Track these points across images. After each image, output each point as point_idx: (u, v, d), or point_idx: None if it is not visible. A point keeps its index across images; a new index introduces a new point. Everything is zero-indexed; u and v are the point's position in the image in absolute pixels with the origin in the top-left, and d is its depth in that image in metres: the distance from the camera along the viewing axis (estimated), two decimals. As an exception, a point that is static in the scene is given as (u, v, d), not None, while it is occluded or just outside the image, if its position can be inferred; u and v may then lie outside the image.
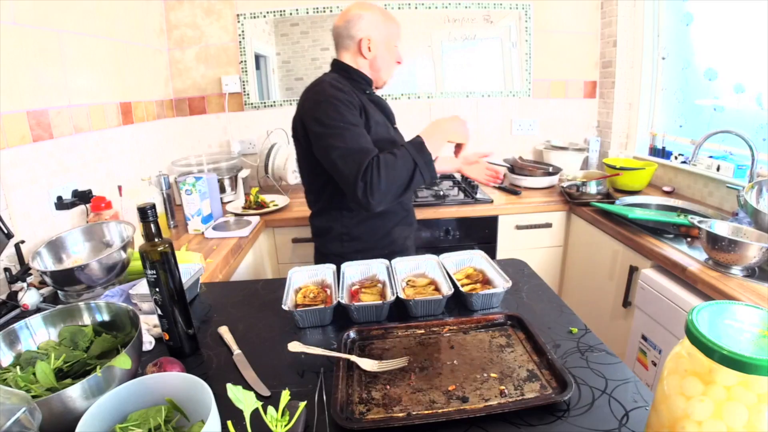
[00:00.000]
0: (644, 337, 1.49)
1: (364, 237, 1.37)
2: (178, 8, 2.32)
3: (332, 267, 1.09)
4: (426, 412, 0.67)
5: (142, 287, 1.03)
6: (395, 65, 1.40)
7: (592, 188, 2.00)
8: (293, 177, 2.18)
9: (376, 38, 1.31)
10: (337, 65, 1.37)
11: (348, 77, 1.34)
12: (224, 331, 0.93)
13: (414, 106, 2.50)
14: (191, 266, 1.13)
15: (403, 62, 1.44)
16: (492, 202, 2.03)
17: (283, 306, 0.93)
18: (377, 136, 1.26)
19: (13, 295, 1.08)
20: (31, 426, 0.52)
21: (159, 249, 0.80)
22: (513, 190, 2.17)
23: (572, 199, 2.00)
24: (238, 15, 2.34)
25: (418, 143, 1.17)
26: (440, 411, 0.67)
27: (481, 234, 2.04)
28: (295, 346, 0.81)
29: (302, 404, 0.64)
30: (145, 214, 0.79)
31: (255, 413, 0.58)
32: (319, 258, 1.45)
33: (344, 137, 1.15)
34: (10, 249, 1.12)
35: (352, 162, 1.12)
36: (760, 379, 0.45)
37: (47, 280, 1.09)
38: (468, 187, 2.18)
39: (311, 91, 1.26)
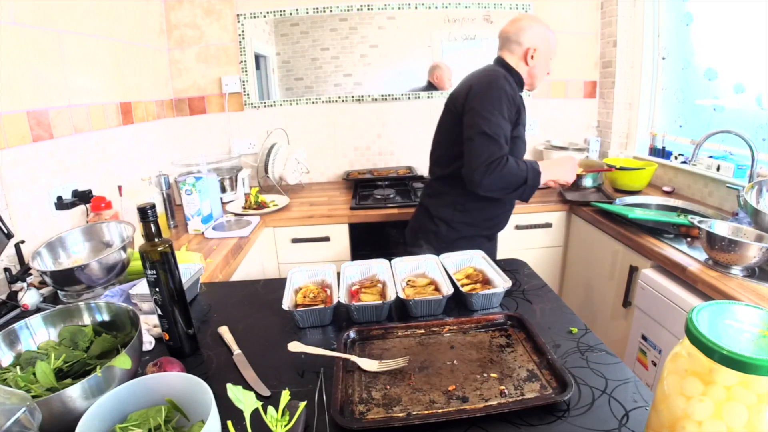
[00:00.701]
0: (644, 337, 1.49)
1: (473, 212, 1.53)
2: (178, 8, 2.32)
3: (332, 267, 1.09)
4: (426, 412, 0.67)
5: (142, 287, 1.03)
6: (546, 75, 1.56)
7: (588, 182, 2.06)
8: (293, 177, 2.18)
9: (541, 49, 1.48)
10: (503, 64, 1.50)
11: (510, 76, 1.46)
12: (224, 331, 0.93)
13: (414, 106, 2.50)
14: (191, 266, 1.14)
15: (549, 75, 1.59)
16: (492, 202, 2.03)
17: (283, 306, 0.93)
18: (520, 133, 1.46)
19: (13, 295, 1.08)
20: (31, 426, 0.52)
21: (159, 249, 0.80)
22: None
23: (570, 199, 2.00)
24: (238, 15, 2.34)
25: (537, 170, 1.39)
26: (440, 411, 0.67)
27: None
28: (295, 346, 0.81)
29: (302, 404, 0.64)
30: (145, 214, 0.79)
31: (255, 413, 0.58)
32: (422, 218, 1.61)
33: (492, 125, 1.33)
34: (10, 249, 1.12)
35: (488, 148, 1.32)
36: (760, 379, 0.45)
37: (47, 280, 1.09)
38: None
39: (486, 75, 1.42)
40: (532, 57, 1.47)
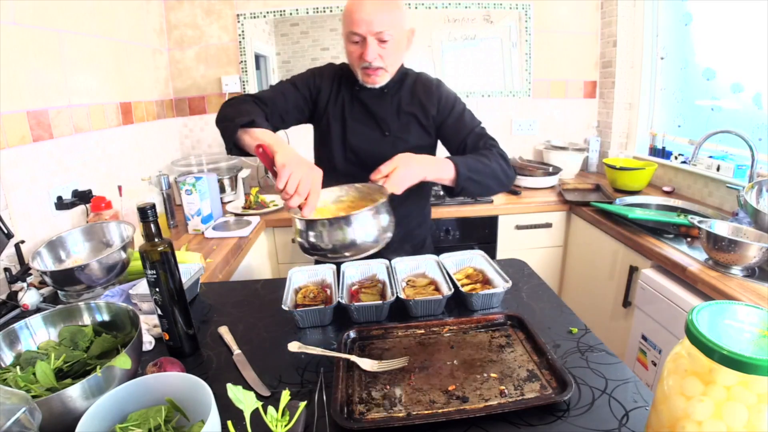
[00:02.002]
0: (644, 337, 1.49)
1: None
2: (178, 8, 2.32)
3: (332, 267, 1.09)
4: (426, 412, 0.67)
5: (142, 287, 1.03)
6: (354, 59, 1.21)
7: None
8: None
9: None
10: None
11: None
12: (224, 331, 0.93)
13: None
14: (191, 266, 1.13)
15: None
16: (492, 202, 2.03)
17: (283, 306, 0.93)
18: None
19: (13, 295, 1.08)
20: (31, 426, 0.52)
21: (159, 249, 0.80)
22: (513, 190, 2.17)
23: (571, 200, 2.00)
24: (238, 15, 2.34)
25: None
26: (440, 411, 0.67)
27: (481, 234, 2.04)
28: (295, 346, 0.81)
29: (302, 404, 0.64)
30: (145, 214, 0.79)
31: (255, 413, 0.58)
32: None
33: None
34: (10, 249, 1.12)
35: None
36: (760, 379, 0.45)
37: (47, 280, 1.09)
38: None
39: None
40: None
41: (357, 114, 1.29)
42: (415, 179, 1.03)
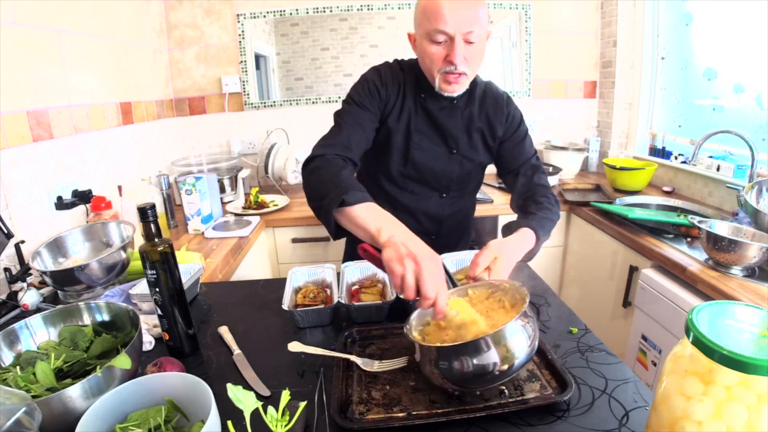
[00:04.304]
0: (644, 337, 1.49)
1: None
2: (178, 8, 2.31)
3: (332, 267, 1.09)
4: (426, 411, 0.67)
5: (142, 287, 1.03)
6: (432, 59, 1.05)
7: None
8: (293, 177, 2.18)
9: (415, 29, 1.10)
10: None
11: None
12: (224, 331, 0.93)
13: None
14: (191, 266, 1.13)
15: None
16: (492, 201, 2.03)
17: (283, 306, 0.93)
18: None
19: (13, 295, 1.08)
20: (31, 426, 0.52)
21: (159, 249, 0.80)
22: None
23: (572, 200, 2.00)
24: (238, 15, 2.34)
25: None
26: (440, 411, 0.67)
27: (481, 234, 2.04)
28: (295, 346, 0.81)
29: (302, 404, 0.64)
30: (145, 214, 0.79)
31: (255, 413, 0.58)
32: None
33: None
34: (10, 249, 1.12)
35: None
36: (760, 379, 0.45)
37: (47, 280, 1.09)
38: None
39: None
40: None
41: (422, 126, 1.16)
42: (513, 266, 0.93)
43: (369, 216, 0.82)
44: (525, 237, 1.00)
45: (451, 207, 1.27)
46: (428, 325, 0.78)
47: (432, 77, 1.07)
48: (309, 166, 1.00)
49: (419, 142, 1.16)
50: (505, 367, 0.64)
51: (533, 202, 1.11)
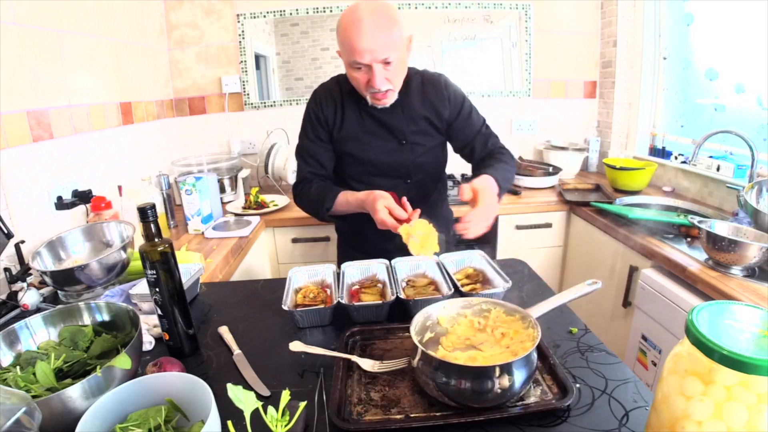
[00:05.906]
0: (644, 337, 1.49)
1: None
2: (178, 8, 2.31)
3: (332, 267, 1.09)
4: (424, 414, 0.67)
5: (142, 287, 1.03)
6: (358, 83, 1.16)
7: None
8: (293, 177, 2.17)
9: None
10: None
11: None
12: (224, 331, 0.93)
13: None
14: (191, 266, 1.13)
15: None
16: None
17: (283, 306, 0.93)
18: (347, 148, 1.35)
19: (13, 295, 1.08)
20: (31, 426, 0.52)
21: (159, 249, 0.80)
22: (513, 190, 2.17)
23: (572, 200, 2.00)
24: (238, 15, 2.34)
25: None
26: (438, 414, 0.67)
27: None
28: (295, 346, 0.81)
29: (302, 404, 0.64)
30: (145, 214, 0.79)
31: (255, 413, 0.58)
32: None
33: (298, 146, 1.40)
34: (10, 249, 1.12)
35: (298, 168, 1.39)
36: (760, 379, 0.45)
37: (47, 280, 1.09)
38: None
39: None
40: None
41: (370, 127, 1.26)
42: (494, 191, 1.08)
43: (345, 203, 1.19)
44: (492, 186, 1.10)
45: (417, 189, 1.35)
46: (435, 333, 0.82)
47: (363, 95, 1.20)
48: (295, 191, 1.33)
49: (370, 142, 1.27)
50: (501, 392, 0.65)
51: (490, 158, 1.25)
